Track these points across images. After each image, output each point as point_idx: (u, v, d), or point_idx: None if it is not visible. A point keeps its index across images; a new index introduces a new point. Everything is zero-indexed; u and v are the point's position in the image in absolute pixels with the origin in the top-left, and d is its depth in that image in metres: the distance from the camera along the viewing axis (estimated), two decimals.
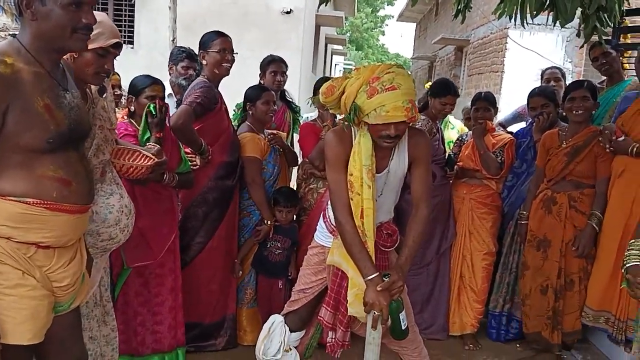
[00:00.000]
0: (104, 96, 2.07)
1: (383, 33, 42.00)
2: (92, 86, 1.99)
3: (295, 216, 3.25)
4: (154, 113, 2.54)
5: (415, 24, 24.92)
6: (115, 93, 3.00)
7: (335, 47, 21.76)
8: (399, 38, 55.69)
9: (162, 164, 2.42)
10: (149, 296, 2.71)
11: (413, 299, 3.11)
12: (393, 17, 33.87)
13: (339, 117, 2.97)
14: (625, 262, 1.97)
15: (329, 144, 2.24)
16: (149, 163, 2.30)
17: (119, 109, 3.17)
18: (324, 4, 4.39)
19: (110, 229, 1.96)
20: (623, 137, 2.88)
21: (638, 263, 1.92)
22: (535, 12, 2.47)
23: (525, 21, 2.42)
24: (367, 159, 2.13)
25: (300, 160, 3.49)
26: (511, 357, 3.31)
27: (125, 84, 3.17)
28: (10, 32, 2.03)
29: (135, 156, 2.31)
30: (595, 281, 3.02)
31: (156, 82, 2.68)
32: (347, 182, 2.18)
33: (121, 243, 2.09)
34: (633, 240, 2.01)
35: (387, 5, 38.22)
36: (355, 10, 22.23)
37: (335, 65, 29.78)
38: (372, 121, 2.07)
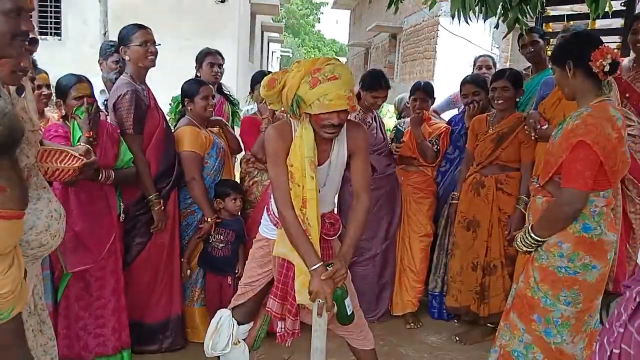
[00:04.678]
0: (22, 96, 1.99)
1: (319, 20, 42.06)
2: (10, 86, 1.92)
3: (240, 210, 3.26)
4: (81, 117, 2.49)
5: (349, 11, 25.14)
6: (44, 92, 2.90)
7: (272, 34, 21.63)
8: (334, 24, 55.80)
9: (91, 164, 2.35)
10: (91, 300, 2.67)
11: (363, 288, 3.23)
12: (328, 4, 33.97)
13: (278, 110, 2.99)
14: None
15: (270, 139, 2.28)
16: (76, 164, 2.23)
17: (50, 107, 3.07)
18: None
19: (40, 235, 1.88)
20: (547, 125, 3.05)
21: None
22: (469, 8, 2.61)
23: (469, 18, 2.54)
24: (309, 150, 2.18)
25: (242, 154, 3.50)
26: (450, 332, 3.50)
27: (54, 78, 3.06)
28: None
29: (63, 157, 2.23)
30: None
31: (81, 80, 2.61)
32: (289, 174, 2.23)
33: (53, 249, 2.02)
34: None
35: None
36: None
37: (272, 52, 29.62)
38: (315, 111, 2.12)
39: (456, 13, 2.57)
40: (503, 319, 2.46)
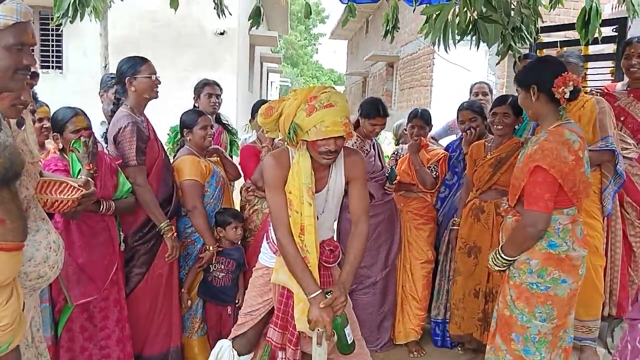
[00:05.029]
0: (22, 128, 2.01)
1: (317, 51, 42.62)
2: (10, 119, 1.94)
3: (241, 238, 3.25)
4: (79, 150, 2.51)
5: (347, 41, 25.52)
6: (45, 125, 2.92)
7: (271, 65, 21.90)
8: (332, 54, 56.59)
9: (90, 195, 2.34)
10: (95, 330, 2.65)
11: (364, 318, 3.19)
12: (326, 34, 34.48)
13: (277, 138, 3.02)
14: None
15: (267, 167, 2.30)
16: (75, 195, 2.23)
17: (50, 139, 3.09)
18: (255, 27, 4.48)
19: (38, 267, 1.88)
20: None
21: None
22: (458, 38, 2.66)
23: (447, 48, 2.60)
24: (306, 177, 2.21)
25: (242, 182, 3.51)
26: None
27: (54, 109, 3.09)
28: None
29: (62, 188, 2.24)
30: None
31: (77, 114, 2.62)
32: (287, 201, 2.24)
33: (51, 280, 2.02)
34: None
35: (320, 23, 38.91)
36: (289, 29, 22.49)
37: (272, 82, 29.94)
38: (312, 137, 2.15)
39: (437, 41, 2.63)
40: (489, 342, 2.49)
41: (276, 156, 2.32)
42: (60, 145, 2.64)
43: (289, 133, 2.18)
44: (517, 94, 3.93)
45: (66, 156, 2.62)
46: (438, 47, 2.57)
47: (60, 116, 2.62)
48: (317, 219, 2.27)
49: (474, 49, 3.14)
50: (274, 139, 3.21)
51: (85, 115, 2.69)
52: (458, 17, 2.60)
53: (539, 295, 2.27)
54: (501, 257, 2.36)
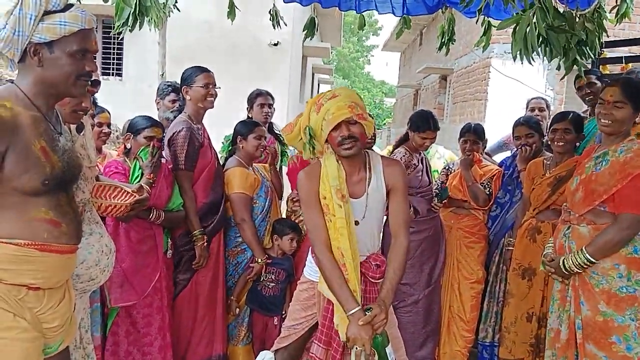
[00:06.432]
0: (81, 133, 2.08)
1: (369, 62, 42.51)
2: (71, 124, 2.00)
3: (294, 251, 3.22)
4: (144, 159, 2.60)
5: (400, 53, 25.38)
6: (104, 131, 3.02)
7: (322, 76, 22.00)
8: (384, 66, 56.36)
9: (143, 201, 2.39)
10: (138, 336, 2.70)
11: (406, 337, 3.11)
12: (378, 46, 34.44)
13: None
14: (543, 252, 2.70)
15: (300, 182, 2.30)
16: (128, 200, 2.29)
17: (108, 144, 3.19)
18: (309, 38, 4.49)
19: (90, 269, 1.93)
20: None
21: (550, 251, 2.62)
22: (532, 50, 2.57)
23: (532, 60, 2.50)
24: (334, 179, 2.19)
25: (289, 192, 3.52)
26: None
27: (114, 116, 3.19)
28: (7, 79, 2.04)
29: (116, 192, 2.31)
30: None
31: (157, 125, 2.76)
32: (324, 208, 2.21)
33: (101, 283, 2.07)
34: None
35: (373, 35, 38.89)
36: (342, 41, 22.58)
37: None
38: (325, 131, 2.17)
39: (517, 54, 2.51)
40: (583, 354, 2.44)
41: (307, 170, 2.32)
42: (128, 146, 2.73)
43: (309, 139, 2.21)
44: (576, 110, 3.80)
45: (128, 160, 2.70)
46: (522, 61, 2.49)
47: (140, 122, 2.76)
48: (357, 224, 2.23)
49: (533, 63, 3.02)
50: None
51: (163, 129, 2.81)
52: (529, 28, 2.49)
53: (629, 298, 2.36)
54: (587, 259, 2.39)
